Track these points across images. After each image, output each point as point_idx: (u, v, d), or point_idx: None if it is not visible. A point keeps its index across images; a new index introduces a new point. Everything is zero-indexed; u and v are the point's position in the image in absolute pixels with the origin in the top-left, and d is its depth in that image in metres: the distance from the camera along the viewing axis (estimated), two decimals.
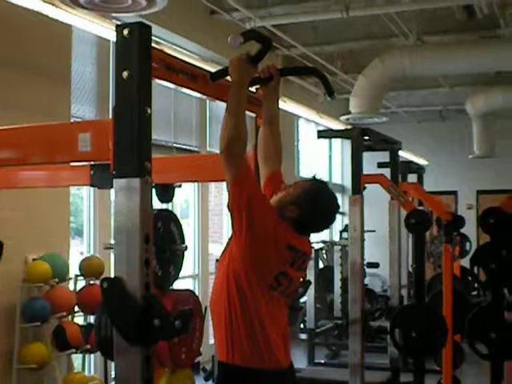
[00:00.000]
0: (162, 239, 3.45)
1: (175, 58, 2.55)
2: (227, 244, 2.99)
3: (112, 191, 2.07)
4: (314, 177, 3.11)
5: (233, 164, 2.74)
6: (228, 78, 2.79)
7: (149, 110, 2.05)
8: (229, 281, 2.87)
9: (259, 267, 2.85)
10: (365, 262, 5.25)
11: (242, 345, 2.87)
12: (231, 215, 2.84)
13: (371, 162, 6.20)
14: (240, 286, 2.85)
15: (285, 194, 3.02)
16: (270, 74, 3.07)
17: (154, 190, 2.15)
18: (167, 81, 2.48)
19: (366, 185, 5.44)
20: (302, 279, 3.16)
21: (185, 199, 9.30)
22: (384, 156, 6.83)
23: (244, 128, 2.74)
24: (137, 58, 2.04)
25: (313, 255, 3.38)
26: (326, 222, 3.13)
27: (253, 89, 3.12)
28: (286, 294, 2.98)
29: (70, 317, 6.11)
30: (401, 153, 6.88)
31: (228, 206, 2.83)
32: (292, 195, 2.99)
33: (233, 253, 2.87)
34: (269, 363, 2.90)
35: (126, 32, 2.05)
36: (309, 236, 3.13)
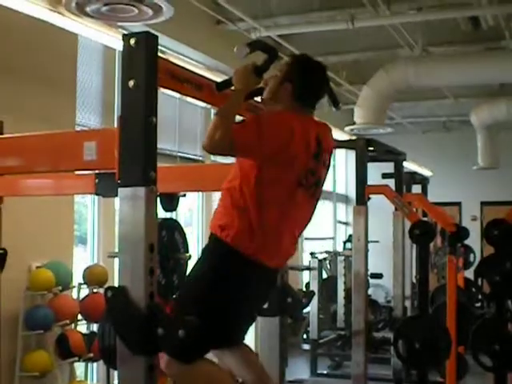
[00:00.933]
0: (165, 248, 3.44)
1: (181, 67, 2.56)
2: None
3: (116, 199, 2.08)
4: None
5: (226, 151, 2.77)
6: (233, 88, 2.80)
7: (154, 120, 2.06)
8: (247, 174, 2.85)
9: (284, 167, 2.87)
10: (368, 273, 5.24)
11: (241, 229, 2.83)
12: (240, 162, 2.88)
13: (375, 172, 6.20)
14: (260, 179, 2.84)
15: (273, 80, 3.03)
16: None
17: (158, 199, 2.15)
18: (173, 90, 2.49)
19: (370, 195, 5.44)
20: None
21: (189, 208, 9.30)
22: (388, 167, 6.83)
23: (229, 132, 2.72)
24: (143, 68, 2.05)
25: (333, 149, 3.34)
26: (321, 82, 3.14)
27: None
28: (310, 189, 2.99)
29: (73, 325, 6.10)
30: (405, 163, 6.88)
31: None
32: (279, 78, 3.01)
33: (246, 171, 2.86)
34: (258, 255, 2.86)
35: (132, 41, 2.06)
36: (313, 108, 3.15)
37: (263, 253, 2.86)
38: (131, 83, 2.05)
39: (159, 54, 2.16)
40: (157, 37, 2.09)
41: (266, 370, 3.17)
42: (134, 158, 2.03)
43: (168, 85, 2.42)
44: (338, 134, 11.54)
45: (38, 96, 6.13)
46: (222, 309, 2.80)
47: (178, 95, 7.47)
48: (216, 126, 2.70)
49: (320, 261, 9.83)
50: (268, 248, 2.88)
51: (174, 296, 3.36)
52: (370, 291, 10.19)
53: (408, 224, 6.03)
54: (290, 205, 2.92)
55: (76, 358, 5.93)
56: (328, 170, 3.16)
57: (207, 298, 2.77)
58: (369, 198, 5.15)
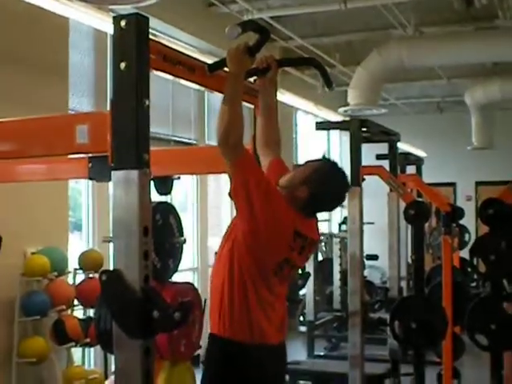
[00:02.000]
0: (160, 232, 3.43)
1: (173, 49, 2.54)
2: (231, 224, 3.00)
3: (110, 185, 2.06)
4: (323, 157, 3.12)
5: (231, 153, 2.75)
6: (226, 69, 2.78)
7: (147, 102, 2.04)
8: (231, 260, 2.89)
9: (262, 253, 2.88)
10: (364, 254, 5.24)
11: (234, 319, 2.90)
12: (235, 203, 2.85)
13: (369, 154, 6.17)
14: (240, 267, 2.87)
15: (294, 175, 3.03)
16: (267, 64, 3.06)
17: (152, 183, 2.14)
18: (165, 72, 2.47)
19: (365, 177, 5.42)
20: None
21: (184, 192, 9.29)
22: (382, 148, 6.81)
23: (241, 118, 2.75)
24: (134, 49, 2.02)
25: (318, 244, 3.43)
26: (336, 201, 3.14)
27: (251, 79, 3.11)
28: (285, 278, 3.00)
29: (69, 310, 6.10)
30: (399, 144, 6.85)
31: (230, 194, 2.83)
32: (302, 175, 3.00)
33: (237, 236, 2.88)
34: (258, 339, 2.91)
35: (123, 23, 2.04)
36: (317, 218, 3.13)
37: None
38: (122, 65, 2.02)
39: (151, 37, 2.14)
40: (147, 18, 2.07)
41: None
42: (127, 141, 2.01)
43: (160, 67, 2.40)
44: (331, 116, 11.55)
45: (29, 81, 6.10)
46: None
47: (171, 80, 7.45)
48: (224, 112, 2.72)
49: None
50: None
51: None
52: (365, 272, 10.21)
53: (403, 205, 6.03)
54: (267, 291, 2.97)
55: (73, 344, 5.94)
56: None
57: None
58: (363, 180, 5.12)
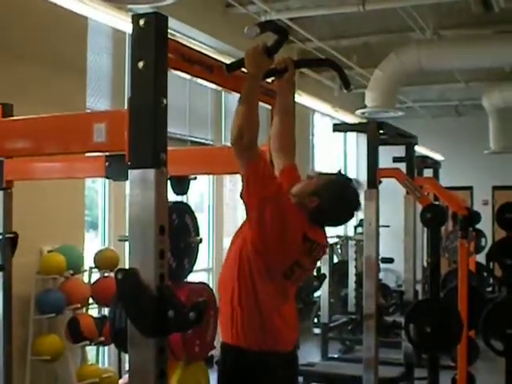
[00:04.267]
0: (176, 231, 3.43)
1: (191, 48, 2.54)
2: (241, 226, 2.99)
3: (126, 184, 2.06)
4: (339, 172, 3.11)
5: (245, 154, 2.73)
6: (244, 69, 2.77)
7: (164, 101, 2.04)
8: (240, 264, 2.88)
9: (273, 257, 2.86)
10: (379, 257, 5.22)
11: (248, 327, 2.88)
12: (245, 205, 2.84)
13: (386, 156, 6.16)
14: (251, 271, 2.87)
15: (307, 184, 3.01)
16: (285, 65, 3.05)
17: (169, 183, 2.13)
18: (183, 71, 2.47)
19: (382, 179, 5.41)
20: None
21: (200, 193, 9.30)
22: (399, 151, 6.79)
23: (256, 119, 2.73)
24: (153, 48, 2.03)
25: (327, 249, 3.42)
26: (344, 217, 3.13)
27: (269, 80, 3.10)
28: (297, 283, 3.00)
29: (84, 309, 6.12)
30: (416, 148, 6.83)
31: (241, 196, 2.82)
32: (314, 186, 2.98)
33: (246, 240, 2.87)
34: (273, 345, 2.91)
35: (142, 22, 2.04)
36: (323, 228, 3.11)
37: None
38: (141, 64, 2.02)
39: (169, 37, 2.14)
40: (166, 17, 2.07)
41: None
42: (144, 140, 2.01)
43: (178, 66, 2.40)
44: (348, 118, 11.53)
45: (48, 80, 6.12)
46: None
47: (188, 80, 7.45)
48: (239, 112, 2.70)
49: (331, 245, 9.82)
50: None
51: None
52: (380, 275, 10.18)
53: (419, 208, 6.01)
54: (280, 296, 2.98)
55: (87, 342, 5.95)
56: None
57: None
58: (380, 182, 5.11)
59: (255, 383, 2.94)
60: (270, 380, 2.94)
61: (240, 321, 2.90)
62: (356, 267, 9.83)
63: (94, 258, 6.30)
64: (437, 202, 6.96)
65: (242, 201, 2.86)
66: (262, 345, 2.90)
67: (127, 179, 2.05)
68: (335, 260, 10.93)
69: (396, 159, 6.91)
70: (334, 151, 14.18)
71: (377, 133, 5.04)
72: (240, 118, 2.70)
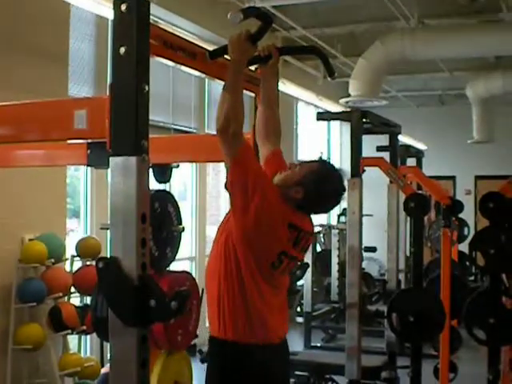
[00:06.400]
0: (158, 220, 3.40)
1: (174, 34, 2.51)
2: (225, 218, 2.96)
3: (109, 172, 2.03)
4: (320, 158, 3.09)
5: (230, 143, 2.71)
6: (227, 56, 2.75)
7: (146, 87, 2.00)
8: (226, 256, 2.86)
9: (259, 247, 2.84)
10: (362, 246, 5.22)
11: (236, 320, 2.86)
12: (230, 195, 2.81)
13: (370, 145, 6.16)
14: (237, 262, 2.84)
15: (290, 174, 2.97)
16: (269, 52, 3.03)
17: (151, 171, 2.11)
18: (165, 58, 2.44)
19: (365, 168, 5.40)
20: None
21: (183, 181, 9.27)
22: (382, 140, 6.79)
23: (241, 107, 2.71)
24: (134, 34, 1.99)
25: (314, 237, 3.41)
26: (330, 204, 3.10)
27: (252, 68, 3.08)
28: (285, 272, 2.97)
29: (66, 298, 6.09)
30: (400, 137, 6.83)
31: (226, 186, 2.79)
32: (297, 176, 2.95)
33: (231, 230, 2.85)
34: (262, 338, 2.89)
35: (123, 7, 2.00)
36: (309, 215, 3.09)
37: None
38: (122, 50, 1.99)
39: (151, 22, 2.11)
40: (148, 2, 2.03)
41: None
42: (126, 127, 1.98)
43: (161, 52, 2.37)
44: (332, 106, 11.51)
45: (29, 67, 6.07)
46: None
47: (172, 67, 7.43)
48: (225, 100, 2.68)
49: (314, 234, 9.82)
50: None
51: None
52: (363, 264, 10.22)
53: (402, 197, 6.01)
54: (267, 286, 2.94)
55: (69, 331, 5.92)
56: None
57: None
58: (363, 171, 5.10)
59: (244, 377, 2.91)
60: (259, 373, 2.91)
61: (227, 314, 2.87)
62: (339, 256, 9.86)
63: (76, 247, 6.27)
64: (420, 192, 6.97)
65: (226, 190, 2.83)
66: (250, 337, 2.87)
67: (109, 167, 2.02)
68: (318, 249, 10.95)
69: (380, 148, 6.91)
70: (318, 140, 14.18)
71: (360, 122, 5.03)
72: (226, 107, 2.67)
